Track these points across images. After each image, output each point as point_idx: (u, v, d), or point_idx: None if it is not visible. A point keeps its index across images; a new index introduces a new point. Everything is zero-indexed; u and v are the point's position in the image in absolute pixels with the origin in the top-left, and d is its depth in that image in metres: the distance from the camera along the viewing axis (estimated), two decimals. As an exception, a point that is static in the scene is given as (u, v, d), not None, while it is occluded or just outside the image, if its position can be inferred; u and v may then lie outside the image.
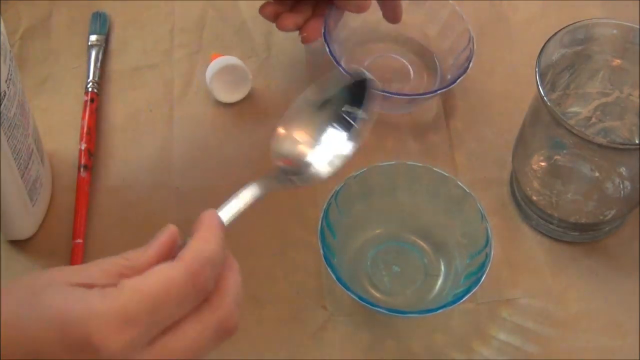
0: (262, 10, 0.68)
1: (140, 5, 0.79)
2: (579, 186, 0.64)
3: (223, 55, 0.72)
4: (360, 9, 0.67)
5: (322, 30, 0.68)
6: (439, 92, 0.69)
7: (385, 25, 0.72)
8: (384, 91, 0.66)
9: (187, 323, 0.39)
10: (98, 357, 0.36)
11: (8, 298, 0.38)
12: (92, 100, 0.71)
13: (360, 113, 0.50)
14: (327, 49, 0.68)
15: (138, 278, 0.38)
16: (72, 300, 0.37)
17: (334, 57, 0.67)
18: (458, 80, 0.68)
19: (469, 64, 0.69)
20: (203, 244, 0.41)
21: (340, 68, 0.67)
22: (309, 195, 0.68)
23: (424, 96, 0.70)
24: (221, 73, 0.71)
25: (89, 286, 0.39)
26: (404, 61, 0.74)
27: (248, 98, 0.73)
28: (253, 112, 0.73)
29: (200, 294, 0.40)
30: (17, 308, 0.38)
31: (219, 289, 0.41)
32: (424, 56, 0.75)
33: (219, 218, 0.44)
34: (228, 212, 0.45)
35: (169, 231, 0.43)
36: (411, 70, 0.74)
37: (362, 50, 0.75)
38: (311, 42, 0.69)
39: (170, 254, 0.42)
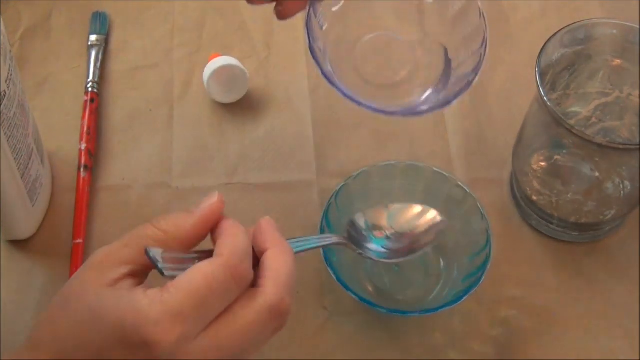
0: None
1: (140, 5, 0.79)
2: (579, 186, 0.64)
3: (222, 54, 0.72)
4: None
5: (303, 6, 0.55)
6: (432, 111, 0.56)
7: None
8: (369, 107, 0.54)
9: (239, 309, 0.42)
10: (156, 353, 0.40)
11: (67, 312, 0.43)
12: (92, 100, 0.71)
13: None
14: (307, 37, 0.54)
15: (180, 278, 0.41)
16: (124, 309, 0.41)
17: (313, 54, 0.54)
18: (454, 101, 0.55)
19: (473, 78, 0.55)
20: (236, 237, 0.43)
21: (318, 67, 0.54)
22: (309, 195, 0.68)
23: (412, 115, 0.59)
24: (218, 73, 0.71)
25: (132, 277, 0.43)
26: (408, 47, 0.59)
27: (248, 98, 0.73)
28: (253, 111, 0.73)
29: (242, 284, 0.42)
30: (76, 321, 0.42)
31: (271, 273, 0.43)
32: (433, 46, 0.59)
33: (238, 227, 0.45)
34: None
35: (214, 206, 0.45)
36: (414, 59, 0.59)
37: (359, 25, 0.59)
38: (287, 18, 0.56)
39: (211, 226, 0.45)
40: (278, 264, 0.44)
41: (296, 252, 0.48)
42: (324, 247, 0.57)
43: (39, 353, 0.43)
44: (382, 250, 0.58)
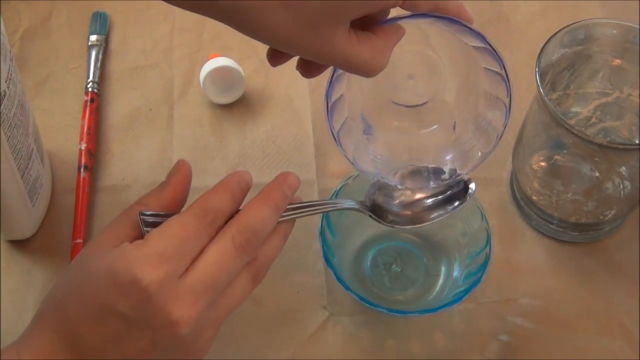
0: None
1: (140, 5, 0.79)
2: (579, 186, 0.64)
3: (222, 55, 0.72)
4: (372, 72, 0.49)
5: (322, 70, 0.52)
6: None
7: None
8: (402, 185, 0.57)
9: (208, 247, 0.47)
10: (148, 291, 0.44)
11: (65, 280, 0.48)
12: (92, 100, 0.71)
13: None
14: (326, 116, 0.53)
15: (159, 227, 0.47)
16: (114, 258, 0.46)
17: (332, 130, 0.53)
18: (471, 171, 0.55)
19: (501, 134, 0.53)
20: (212, 194, 0.48)
21: (330, 127, 0.53)
22: (309, 195, 0.68)
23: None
24: (214, 74, 0.71)
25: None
26: (436, 64, 0.54)
27: (248, 98, 0.73)
28: (253, 111, 0.73)
29: (210, 229, 0.47)
30: (73, 281, 0.47)
31: (239, 215, 0.48)
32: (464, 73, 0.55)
33: (248, 177, 0.50)
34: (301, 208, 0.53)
35: (182, 169, 0.51)
36: (441, 76, 0.55)
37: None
38: (309, 78, 0.54)
39: (186, 189, 0.51)
40: (248, 209, 0.49)
41: (305, 216, 0.53)
42: (334, 210, 0.58)
43: (42, 326, 0.47)
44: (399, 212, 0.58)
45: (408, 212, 0.58)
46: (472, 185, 0.57)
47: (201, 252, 0.47)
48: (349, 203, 0.57)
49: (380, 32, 0.48)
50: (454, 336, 0.62)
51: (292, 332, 0.62)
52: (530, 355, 0.61)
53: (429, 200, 0.58)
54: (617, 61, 0.63)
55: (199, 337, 0.47)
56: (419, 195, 0.58)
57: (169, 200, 0.50)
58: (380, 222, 0.57)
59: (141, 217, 0.48)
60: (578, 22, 0.61)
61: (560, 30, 0.61)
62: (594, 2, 0.78)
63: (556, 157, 0.65)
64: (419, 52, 0.54)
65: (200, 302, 0.46)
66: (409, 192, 0.58)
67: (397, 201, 0.58)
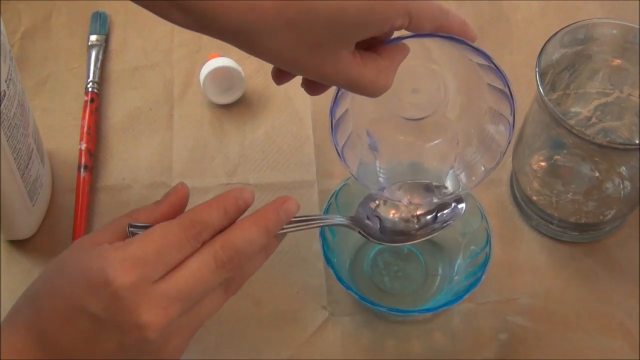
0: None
1: (140, 5, 0.79)
2: (579, 186, 0.64)
3: (222, 55, 0.72)
4: (376, 92, 0.49)
5: (327, 88, 0.53)
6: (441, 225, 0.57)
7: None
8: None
9: (189, 259, 0.47)
10: (118, 293, 0.44)
11: (40, 276, 0.48)
12: (92, 100, 0.72)
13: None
14: (331, 132, 0.53)
15: (142, 233, 0.47)
16: (90, 257, 0.46)
17: (337, 148, 0.53)
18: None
19: (504, 151, 0.53)
20: (204, 208, 0.48)
21: (336, 148, 0.53)
22: (309, 195, 0.68)
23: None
24: (214, 74, 0.71)
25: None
26: (440, 78, 0.54)
27: (248, 98, 0.73)
28: (253, 112, 0.73)
29: (195, 241, 0.47)
30: (48, 276, 0.48)
31: (226, 233, 0.48)
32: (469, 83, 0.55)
33: (248, 196, 0.49)
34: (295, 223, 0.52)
35: (179, 192, 0.51)
36: (445, 90, 0.55)
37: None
38: (314, 95, 0.54)
39: (179, 211, 0.50)
40: (237, 227, 0.48)
41: (295, 231, 0.52)
42: (324, 226, 0.59)
43: (15, 322, 0.47)
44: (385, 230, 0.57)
45: (398, 229, 0.58)
46: (462, 205, 0.57)
47: (181, 262, 0.47)
48: (338, 219, 0.57)
49: (385, 52, 0.48)
50: (454, 336, 0.62)
51: (292, 332, 0.62)
52: (530, 355, 0.61)
53: (421, 218, 0.58)
54: (617, 61, 0.63)
55: (168, 343, 0.47)
56: (410, 213, 0.58)
57: (160, 218, 0.50)
58: (369, 239, 0.57)
59: (130, 229, 0.48)
60: (578, 22, 0.61)
61: (560, 30, 0.61)
62: (594, 2, 0.78)
63: (556, 157, 0.65)
64: (423, 66, 0.54)
65: (171, 309, 0.46)
66: (397, 210, 0.58)
67: (389, 218, 0.58)
